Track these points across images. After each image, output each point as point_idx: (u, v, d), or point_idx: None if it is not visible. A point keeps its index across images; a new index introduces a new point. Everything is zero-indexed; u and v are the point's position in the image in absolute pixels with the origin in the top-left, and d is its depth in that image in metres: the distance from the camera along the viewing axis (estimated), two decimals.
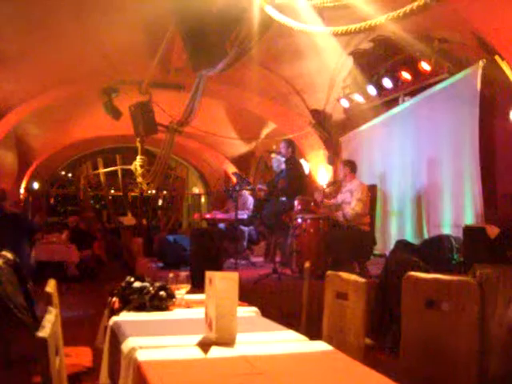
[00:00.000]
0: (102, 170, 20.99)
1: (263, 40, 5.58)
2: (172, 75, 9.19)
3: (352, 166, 6.96)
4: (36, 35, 7.81)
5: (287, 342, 2.30)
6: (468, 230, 5.77)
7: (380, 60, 8.20)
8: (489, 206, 6.44)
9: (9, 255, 3.00)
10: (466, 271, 4.52)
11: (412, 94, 8.21)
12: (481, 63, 6.41)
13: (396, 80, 8.04)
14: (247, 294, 3.44)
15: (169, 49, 8.09)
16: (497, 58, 5.87)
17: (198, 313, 2.65)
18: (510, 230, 5.42)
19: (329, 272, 3.02)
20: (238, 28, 5.34)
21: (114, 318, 2.73)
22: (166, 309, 2.96)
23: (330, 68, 9.06)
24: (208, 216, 9.48)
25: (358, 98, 9.11)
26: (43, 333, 1.61)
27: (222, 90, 10.27)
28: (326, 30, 3.94)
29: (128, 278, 3.15)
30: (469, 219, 6.59)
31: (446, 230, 6.90)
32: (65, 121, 12.95)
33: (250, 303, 3.19)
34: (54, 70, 9.01)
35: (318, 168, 11.04)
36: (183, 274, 3.17)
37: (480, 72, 6.44)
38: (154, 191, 18.72)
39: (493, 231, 5.37)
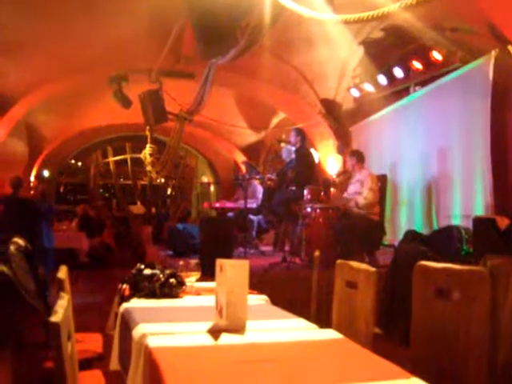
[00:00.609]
0: (111, 159, 21.04)
1: (274, 28, 5.55)
2: (182, 63, 9.18)
3: (358, 156, 6.92)
4: (44, 24, 7.82)
5: (297, 329, 2.31)
6: (478, 221, 5.74)
7: (391, 49, 8.15)
8: (499, 196, 6.41)
9: (20, 241, 3.02)
10: (475, 262, 4.50)
11: (423, 83, 8.16)
12: (493, 53, 6.36)
13: (407, 69, 7.99)
14: (257, 283, 3.45)
15: (179, 37, 8.08)
16: (509, 47, 5.82)
17: (208, 300, 2.66)
18: None
19: (339, 261, 3.02)
20: (249, 16, 5.32)
21: (125, 305, 2.75)
22: (176, 296, 2.97)
23: (340, 57, 9.02)
24: (217, 205, 9.50)
25: (369, 87, 9.07)
26: (56, 318, 1.63)
27: (232, 79, 10.25)
28: (336, 18, 3.91)
29: (138, 266, 3.16)
30: (479, 210, 6.57)
31: (456, 221, 6.88)
32: (75, 109, 12.97)
33: (260, 292, 3.20)
34: (63, 58, 9.01)
35: (328, 158, 11.01)
36: (193, 261, 3.18)
37: (492, 62, 6.39)
38: (163, 180, 18.74)
39: (503, 222, 5.35)
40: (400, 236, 7.26)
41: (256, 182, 9.06)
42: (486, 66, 6.51)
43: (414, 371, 1.73)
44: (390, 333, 4.48)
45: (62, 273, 2.52)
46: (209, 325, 2.26)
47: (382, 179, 7.01)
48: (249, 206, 8.00)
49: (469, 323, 2.08)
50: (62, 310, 1.74)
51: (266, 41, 6.40)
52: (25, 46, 8.30)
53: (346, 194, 6.81)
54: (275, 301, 3.05)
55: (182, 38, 8.11)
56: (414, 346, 2.35)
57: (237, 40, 5.57)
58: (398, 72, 8.10)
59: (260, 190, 9.05)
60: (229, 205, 8.99)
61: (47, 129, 14.25)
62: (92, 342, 3.30)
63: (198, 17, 5.81)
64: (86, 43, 8.56)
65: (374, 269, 2.65)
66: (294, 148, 7.96)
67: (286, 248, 7.65)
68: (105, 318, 3.44)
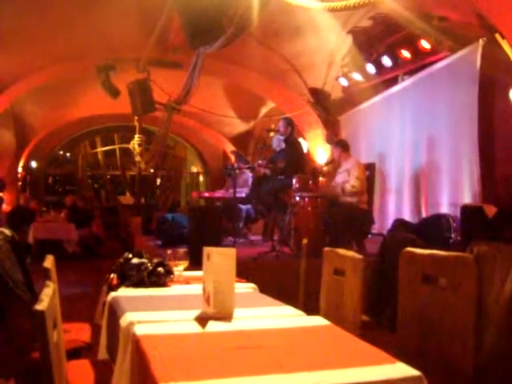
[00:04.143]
0: (100, 149, 20.94)
1: (262, 17, 5.52)
2: (170, 53, 9.12)
3: (343, 145, 6.91)
4: (32, 12, 7.74)
5: (284, 316, 2.31)
6: (465, 209, 5.79)
7: (379, 38, 8.14)
8: (486, 185, 6.44)
9: (6, 231, 2.99)
10: (462, 250, 4.54)
11: (411, 72, 8.18)
12: (481, 42, 6.38)
13: (395, 58, 7.99)
14: (245, 272, 3.45)
15: (166, 26, 8.02)
16: (497, 36, 5.83)
17: (196, 289, 2.66)
18: (507, 210, 5.43)
19: (326, 248, 3.02)
20: (236, 4, 5.29)
21: (112, 294, 2.74)
22: (164, 285, 2.97)
23: (329, 46, 9.01)
24: (206, 194, 9.47)
25: (357, 76, 9.06)
26: (41, 306, 1.62)
27: (221, 68, 10.21)
28: (323, 6, 3.90)
29: (126, 255, 3.15)
30: (466, 198, 6.60)
31: (444, 209, 6.92)
32: (63, 99, 12.89)
33: (248, 280, 3.20)
34: (51, 47, 8.94)
35: (317, 147, 11.02)
36: (181, 250, 3.18)
37: (480, 51, 6.41)
38: (152, 170, 18.69)
39: (490, 210, 5.39)
40: (388, 225, 7.30)
41: (247, 171, 9.02)
42: (473, 54, 6.53)
43: (400, 356, 1.74)
44: (378, 320, 4.51)
45: (49, 262, 2.50)
46: (196, 313, 2.26)
47: (370, 168, 7.03)
48: (239, 195, 7.98)
49: (454, 308, 2.10)
50: (47, 298, 1.73)
51: (254, 30, 6.38)
52: (12, 35, 8.22)
53: (333, 183, 6.81)
54: (264, 289, 3.05)
55: (169, 27, 8.05)
56: (401, 332, 2.37)
57: (224, 28, 5.54)
58: (387, 61, 8.10)
59: (251, 177, 9.01)
60: (218, 194, 8.97)
61: (35, 119, 14.15)
62: (80, 332, 3.29)
63: (185, 5, 5.77)
64: (74, 33, 8.49)
65: (360, 256, 2.66)
66: (283, 137, 7.95)
67: (275, 237, 7.65)
68: (94, 308, 3.43)
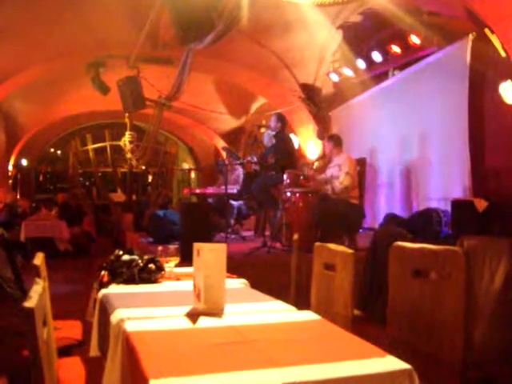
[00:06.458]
0: (90, 146, 20.84)
1: (252, 13, 5.52)
2: (160, 49, 9.09)
3: (336, 140, 6.89)
4: (22, 9, 7.69)
5: (275, 311, 2.32)
6: (456, 204, 5.81)
7: (369, 33, 8.16)
8: (477, 179, 6.47)
9: None
10: (453, 244, 4.56)
11: (401, 67, 8.20)
12: (470, 36, 6.40)
13: (385, 53, 8.01)
14: (237, 267, 3.45)
15: (156, 22, 7.99)
16: (486, 31, 5.84)
17: (187, 285, 2.66)
18: (497, 204, 5.46)
19: (317, 243, 3.03)
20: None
21: (103, 291, 2.74)
22: (154, 281, 2.96)
23: (319, 42, 9.02)
24: (197, 191, 9.46)
25: (348, 71, 9.08)
26: (30, 303, 1.61)
27: (211, 64, 10.20)
28: (313, 1, 3.90)
29: (117, 252, 3.14)
30: (457, 192, 6.63)
31: (435, 204, 6.94)
32: (52, 97, 12.83)
33: (240, 276, 3.20)
34: (40, 44, 8.89)
35: (308, 142, 11.03)
36: (172, 246, 3.17)
37: (470, 45, 6.44)
38: (143, 167, 18.64)
39: (481, 204, 5.41)
40: (380, 219, 7.32)
41: (239, 168, 9.01)
42: (463, 49, 6.56)
43: (391, 350, 1.75)
44: (370, 314, 4.53)
45: (39, 259, 2.49)
46: (187, 309, 2.26)
47: (361, 163, 7.04)
48: (230, 191, 7.97)
49: (444, 301, 2.10)
50: (36, 295, 1.72)
51: (244, 25, 6.36)
52: (1, 32, 8.16)
53: (323, 175, 6.79)
54: (255, 285, 3.06)
55: (159, 23, 8.02)
56: (391, 325, 2.38)
57: (213, 24, 5.52)
58: (377, 56, 8.11)
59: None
60: (209, 190, 8.95)
61: (25, 117, 14.08)
62: (72, 329, 3.29)
63: (175, 1, 5.75)
64: (63, 30, 8.45)
65: (351, 251, 2.67)
66: (273, 133, 7.93)
67: (267, 233, 7.65)
68: (85, 305, 3.42)
